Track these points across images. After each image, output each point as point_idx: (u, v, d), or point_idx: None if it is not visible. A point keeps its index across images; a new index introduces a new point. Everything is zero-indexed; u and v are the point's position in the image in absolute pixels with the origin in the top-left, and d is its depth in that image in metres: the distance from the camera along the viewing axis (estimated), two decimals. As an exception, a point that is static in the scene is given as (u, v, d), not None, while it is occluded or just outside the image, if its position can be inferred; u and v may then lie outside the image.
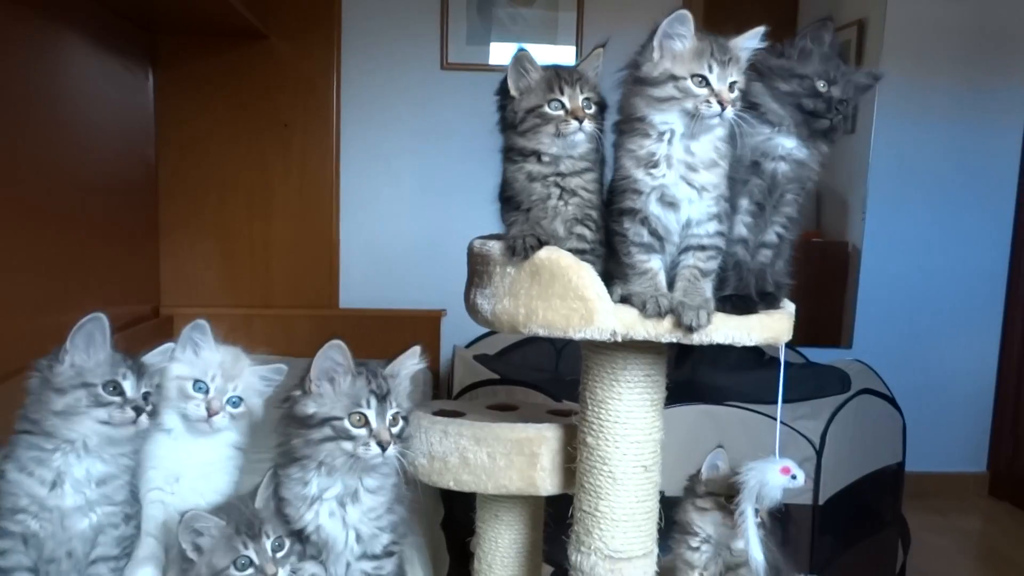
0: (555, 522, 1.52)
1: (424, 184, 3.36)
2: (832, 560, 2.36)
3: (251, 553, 1.09)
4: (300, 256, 3.30)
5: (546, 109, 1.17)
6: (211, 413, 1.24)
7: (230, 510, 1.14)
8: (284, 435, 1.15)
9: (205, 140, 3.18)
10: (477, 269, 1.29)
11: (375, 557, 1.16)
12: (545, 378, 2.62)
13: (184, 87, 3.13)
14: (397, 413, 1.13)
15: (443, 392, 3.31)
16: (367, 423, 1.10)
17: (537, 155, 1.19)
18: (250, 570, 1.09)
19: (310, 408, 1.11)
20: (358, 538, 1.15)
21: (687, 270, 1.14)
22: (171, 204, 3.19)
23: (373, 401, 1.11)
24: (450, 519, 2.27)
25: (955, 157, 3.49)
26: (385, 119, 3.32)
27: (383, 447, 1.09)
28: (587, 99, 1.18)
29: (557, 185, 1.19)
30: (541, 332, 1.17)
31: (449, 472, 1.42)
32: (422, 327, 3.34)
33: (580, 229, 1.19)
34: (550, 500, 1.52)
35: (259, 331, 3.25)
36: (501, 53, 3.32)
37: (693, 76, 1.09)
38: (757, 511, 1.27)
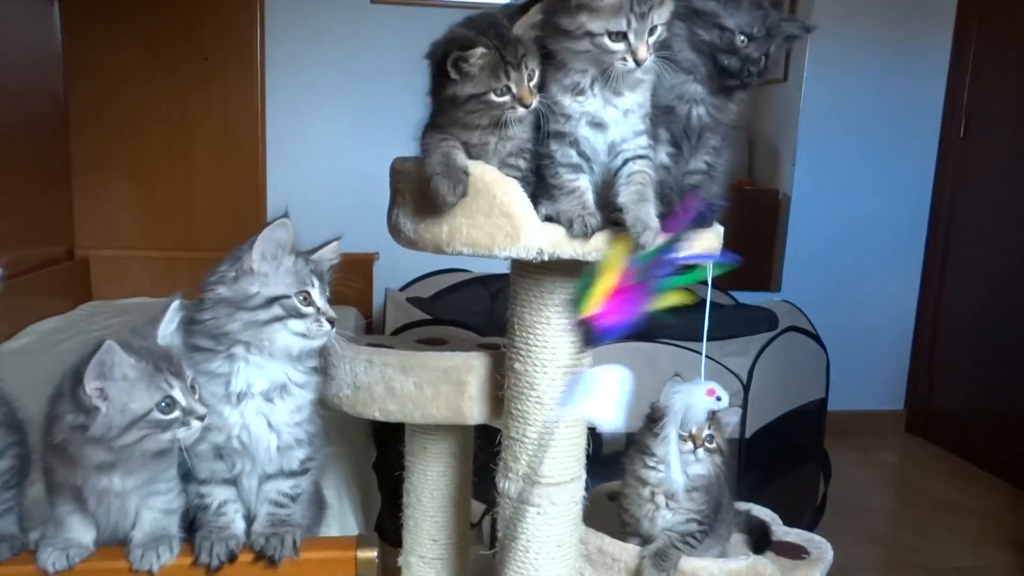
0: (484, 455, 1.51)
1: (355, 123, 3.26)
2: (757, 492, 2.42)
3: (176, 393, 0.96)
4: (225, 196, 3.18)
5: (492, 97, 1.10)
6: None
7: (138, 349, 0.97)
8: (211, 320, 1.06)
9: (119, 73, 3.01)
10: (399, 188, 1.24)
11: (292, 474, 1.12)
12: (479, 321, 2.60)
13: (93, 15, 2.95)
14: (329, 296, 1.11)
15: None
16: (312, 302, 1.07)
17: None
18: (176, 412, 0.96)
19: (253, 287, 1.05)
20: (279, 447, 1.10)
21: (637, 175, 1.10)
22: (83, 140, 3.02)
23: (315, 280, 1.09)
24: (383, 461, 2.25)
25: (882, 106, 3.56)
26: (313, 55, 3.19)
27: (332, 323, 1.08)
28: (531, 73, 1.10)
29: (495, 132, 1.14)
30: (466, 251, 1.14)
31: (375, 402, 1.38)
32: (354, 270, 3.24)
33: (514, 160, 1.16)
34: (480, 435, 1.50)
35: (183, 275, 3.13)
36: (434, -12, 3.21)
37: (610, 33, 1.03)
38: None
